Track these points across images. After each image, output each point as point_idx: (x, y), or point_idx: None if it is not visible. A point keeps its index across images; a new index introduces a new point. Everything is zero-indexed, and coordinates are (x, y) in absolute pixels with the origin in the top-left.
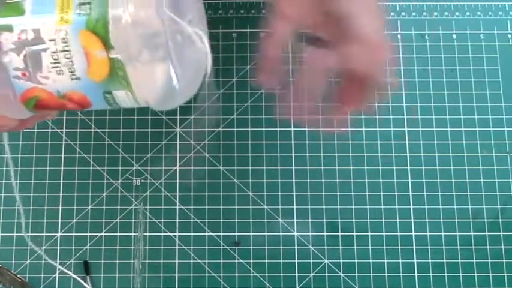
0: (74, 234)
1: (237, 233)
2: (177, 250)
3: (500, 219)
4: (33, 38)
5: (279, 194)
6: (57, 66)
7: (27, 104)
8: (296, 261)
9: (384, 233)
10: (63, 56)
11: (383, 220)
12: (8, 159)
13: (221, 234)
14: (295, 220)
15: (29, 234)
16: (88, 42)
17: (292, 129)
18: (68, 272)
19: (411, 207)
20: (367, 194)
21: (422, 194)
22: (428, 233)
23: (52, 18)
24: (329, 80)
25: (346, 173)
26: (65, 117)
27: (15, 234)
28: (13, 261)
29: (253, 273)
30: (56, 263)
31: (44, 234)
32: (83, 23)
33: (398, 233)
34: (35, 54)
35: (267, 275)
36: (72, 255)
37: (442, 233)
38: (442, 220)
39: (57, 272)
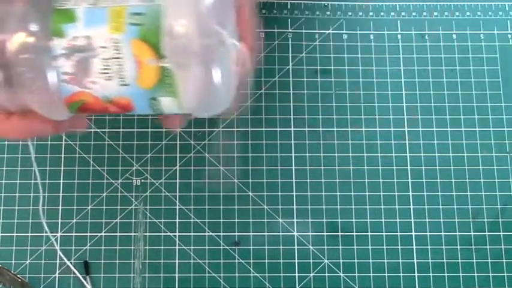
0: (74, 234)
1: (237, 233)
2: (177, 250)
3: (500, 219)
4: (85, 45)
5: (279, 194)
6: (106, 73)
7: (71, 107)
8: (296, 261)
9: (383, 233)
10: (114, 63)
11: (383, 220)
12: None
13: (221, 234)
14: (295, 220)
15: (30, 234)
16: (139, 51)
17: (292, 129)
18: (74, 270)
19: (411, 207)
20: (367, 194)
21: (422, 194)
22: (428, 233)
23: (105, 26)
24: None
25: (346, 173)
26: None
27: (15, 234)
28: (13, 261)
29: (253, 273)
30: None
31: (44, 234)
32: (135, 32)
33: (398, 233)
34: (85, 60)
35: (267, 275)
36: (72, 255)
37: (442, 233)
38: (442, 220)
39: (57, 272)
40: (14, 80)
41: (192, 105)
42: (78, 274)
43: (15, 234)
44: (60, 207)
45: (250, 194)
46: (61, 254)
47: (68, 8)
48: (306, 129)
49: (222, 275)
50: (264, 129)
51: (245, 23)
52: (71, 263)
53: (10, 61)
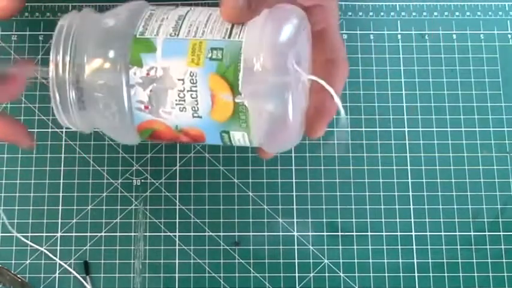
0: (74, 234)
1: (237, 233)
2: (177, 250)
3: (500, 219)
4: (162, 76)
5: (279, 194)
6: (181, 104)
7: (142, 134)
8: (296, 261)
9: (384, 233)
10: (189, 96)
11: (383, 220)
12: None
13: (221, 234)
14: (295, 220)
15: (30, 234)
16: (216, 86)
17: None
18: (73, 271)
19: (411, 207)
20: (367, 194)
21: (422, 194)
22: (428, 233)
23: (183, 59)
24: None
25: (346, 173)
26: None
27: (15, 234)
28: (13, 261)
29: (253, 273)
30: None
31: (44, 234)
32: (213, 67)
33: (398, 233)
34: (161, 91)
35: (267, 275)
36: (72, 255)
37: (442, 233)
38: (442, 220)
39: (57, 272)
40: (87, 103)
41: (264, 142)
42: (76, 274)
43: (15, 234)
44: (60, 207)
45: (250, 194)
46: (49, 253)
47: (147, 37)
48: None
49: (222, 275)
50: None
51: (334, 45)
52: (65, 262)
53: (86, 85)
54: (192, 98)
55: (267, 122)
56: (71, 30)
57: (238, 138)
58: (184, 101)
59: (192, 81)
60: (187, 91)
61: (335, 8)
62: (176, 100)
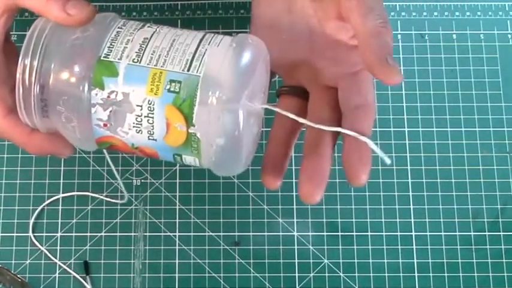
0: (74, 234)
1: (237, 233)
2: (177, 250)
3: (500, 219)
4: (121, 100)
5: (279, 194)
6: (138, 127)
7: (101, 145)
8: (296, 261)
9: (384, 233)
10: (146, 120)
11: (383, 220)
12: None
13: (221, 234)
14: (295, 220)
15: (31, 234)
16: (172, 116)
17: None
18: (71, 271)
19: (411, 207)
20: (367, 194)
21: (422, 194)
22: (428, 233)
23: (143, 87)
24: None
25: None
26: None
27: (15, 234)
28: (13, 261)
29: (253, 273)
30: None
31: (44, 234)
32: (170, 99)
33: (398, 233)
34: (120, 113)
35: (267, 275)
36: (72, 255)
37: (442, 233)
38: (442, 220)
39: (57, 272)
40: (50, 113)
41: (213, 168)
42: (75, 274)
43: (15, 234)
44: (60, 207)
45: (250, 194)
46: (50, 254)
47: (111, 60)
48: None
49: (222, 275)
50: (263, 129)
51: (366, 89)
52: (65, 263)
53: (50, 98)
54: (149, 123)
55: (217, 153)
56: (43, 34)
57: (190, 161)
58: (141, 124)
59: (149, 108)
60: (145, 116)
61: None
62: (134, 123)
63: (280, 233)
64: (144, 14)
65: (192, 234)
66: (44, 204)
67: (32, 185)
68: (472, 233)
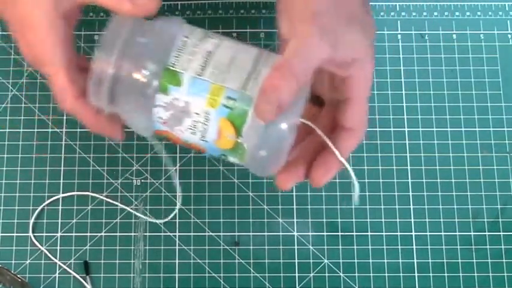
0: (74, 234)
1: (237, 233)
2: (177, 250)
3: (500, 219)
4: (183, 106)
5: (279, 194)
6: (193, 129)
7: (157, 135)
8: (296, 261)
9: (384, 233)
10: (201, 126)
11: (383, 220)
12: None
13: (221, 234)
14: (295, 220)
15: (31, 234)
16: (224, 127)
17: None
18: (71, 271)
19: (411, 207)
20: (367, 194)
21: (422, 194)
22: (428, 233)
23: (203, 99)
24: None
25: (346, 173)
26: (64, 117)
27: (15, 234)
28: (13, 261)
29: (253, 273)
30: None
31: (44, 234)
32: (225, 113)
33: (398, 233)
34: (179, 116)
35: (267, 275)
36: (72, 255)
37: (442, 233)
38: (442, 220)
39: (57, 272)
40: (117, 103)
41: (253, 170)
42: (75, 274)
43: (15, 234)
44: (60, 207)
45: (250, 194)
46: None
47: (176, 70)
48: None
49: (222, 275)
50: None
51: (354, 117)
52: (65, 263)
53: (120, 91)
54: (203, 128)
55: (259, 160)
56: (120, 32)
57: (233, 160)
58: (196, 128)
59: (206, 117)
60: (200, 123)
61: (366, 79)
62: (189, 126)
63: (280, 233)
64: None
65: (192, 234)
66: (44, 204)
67: (32, 185)
68: (472, 233)
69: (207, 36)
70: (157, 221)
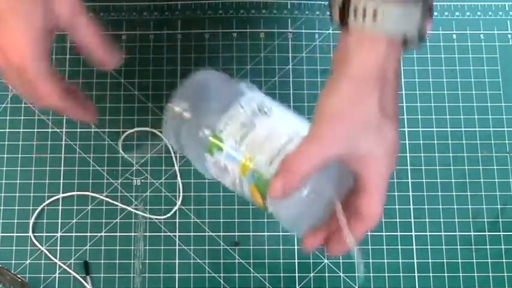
0: (74, 234)
1: (237, 233)
2: (177, 250)
3: (500, 219)
4: (222, 167)
5: None
6: (233, 186)
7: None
8: (296, 261)
9: (383, 233)
10: (238, 184)
11: (383, 220)
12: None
13: (221, 234)
14: None
15: (31, 234)
16: (253, 191)
17: None
18: (71, 271)
19: (411, 207)
20: None
21: (422, 194)
22: (428, 233)
23: (237, 166)
24: None
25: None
26: (64, 117)
27: (15, 234)
28: (13, 261)
29: (253, 273)
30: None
31: (44, 234)
32: (252, 181)
33: (398, 233)
34: (221, 172)
35: (267, 275)
36: (72, 255)
37: (442, 233)
38: (442, 220)
39: (57, 272)
40: (182, 149)
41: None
42: (75, 274)
43: (15, 234)
44: (60, 207)
45: None
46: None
47: (221, 138)
48: None
49: (222, 275)
50: None
51: (368, 205)
52: (65, 263)
53: (181, 139)
54: (240, 188)
55: (283, 222)
56: (198, 87)
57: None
58: (236, 184)
59: (239, 179)
60: (237, 181)
61: (380, 177)
62: (230, 181)
63: (280, 233)
64: (144, 14)
65: (192, 234)
66: (44, 204)
67: (32, 185)
68: (472, 233)
69: (260, 108)
70: (157, 218)
